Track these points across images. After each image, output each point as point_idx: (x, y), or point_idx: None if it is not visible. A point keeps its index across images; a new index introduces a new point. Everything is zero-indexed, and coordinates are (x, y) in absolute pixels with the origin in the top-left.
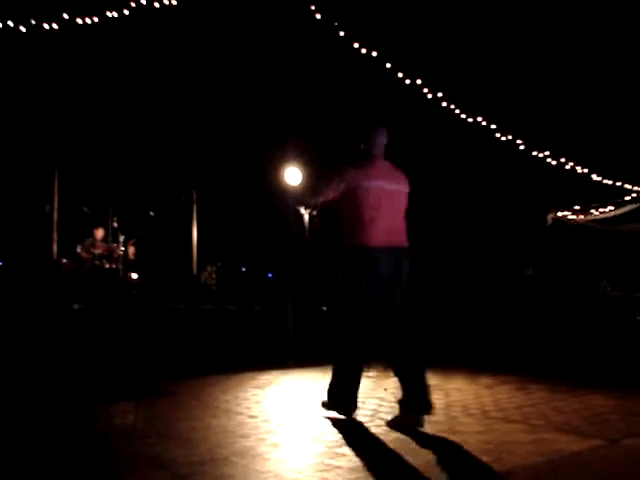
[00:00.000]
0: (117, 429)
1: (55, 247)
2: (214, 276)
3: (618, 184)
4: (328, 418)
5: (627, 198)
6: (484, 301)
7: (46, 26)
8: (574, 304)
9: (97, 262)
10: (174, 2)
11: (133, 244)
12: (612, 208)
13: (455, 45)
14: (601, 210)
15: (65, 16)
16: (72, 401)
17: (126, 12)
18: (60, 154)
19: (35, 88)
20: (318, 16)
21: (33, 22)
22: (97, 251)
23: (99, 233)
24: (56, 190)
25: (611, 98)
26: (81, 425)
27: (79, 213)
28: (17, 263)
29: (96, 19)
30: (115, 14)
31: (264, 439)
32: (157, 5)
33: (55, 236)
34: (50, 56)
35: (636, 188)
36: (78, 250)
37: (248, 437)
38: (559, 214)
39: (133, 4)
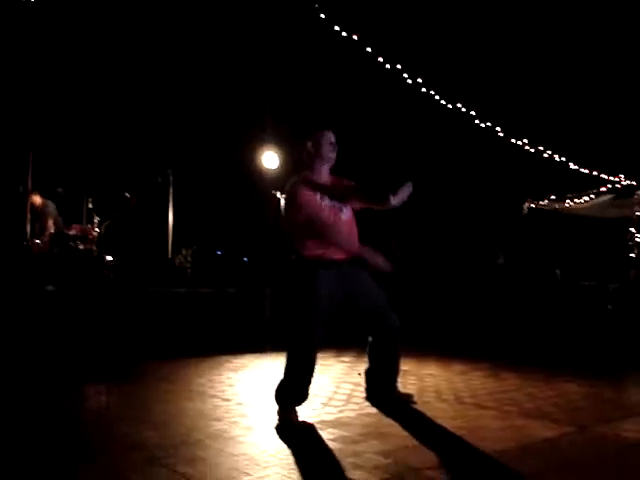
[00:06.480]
0: (90, 411)
1: (28, 228)
2: (189, 259)
3: (594, 174)
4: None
5: (603, 189)
6: (458, 287)
7: None
8: (546, 292)
9: (71, 243)
10: None
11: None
12: (587, 199)
13: (436, 31)
14: (576, 200)
15: None
16: (45, 382)
17: None
18: (35, 133)
19: (8, 66)
20: None
21: None
22: (71, 232)
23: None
24: (30, 170)
25: (591, 89)
26: (53, 406)
27: (53, 194)
28: None
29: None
30: None
31: (238, 422)
32: None
33: (29, 216)
34: (26, 35)
35: (612, 178)
36: (51, 231)
37: (221, 420)
38: (535, 203)
39: None
